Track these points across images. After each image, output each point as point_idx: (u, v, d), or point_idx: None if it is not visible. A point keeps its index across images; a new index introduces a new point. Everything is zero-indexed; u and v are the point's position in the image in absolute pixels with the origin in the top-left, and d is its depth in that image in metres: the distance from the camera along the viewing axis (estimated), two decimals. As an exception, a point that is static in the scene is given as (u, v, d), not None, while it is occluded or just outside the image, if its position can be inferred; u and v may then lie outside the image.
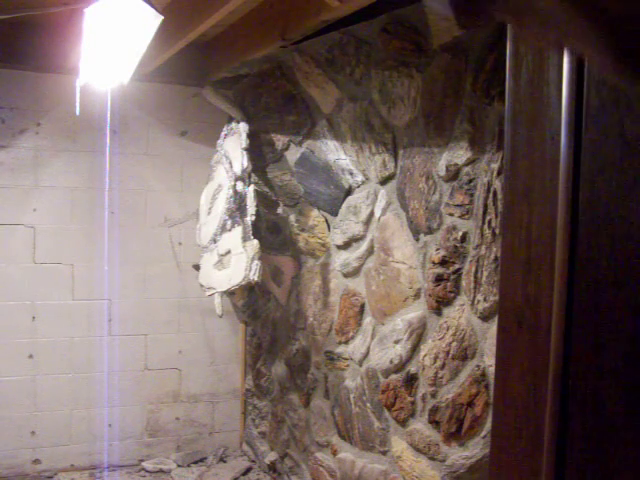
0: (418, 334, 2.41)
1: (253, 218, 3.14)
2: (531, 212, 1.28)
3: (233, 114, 3.44)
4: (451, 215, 2.23)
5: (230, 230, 3.21)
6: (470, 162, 2.15)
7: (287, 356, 3.42)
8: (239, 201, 3.19)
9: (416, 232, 2.42)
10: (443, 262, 2.26)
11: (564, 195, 1.20)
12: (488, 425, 2.08)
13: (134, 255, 3.71)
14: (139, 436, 3.79)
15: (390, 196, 2.57)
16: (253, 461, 3.83)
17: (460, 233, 2.20)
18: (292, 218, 3.29)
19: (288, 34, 2.66)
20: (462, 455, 2.20)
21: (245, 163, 3.22)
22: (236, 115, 3.42)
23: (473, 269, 2.15)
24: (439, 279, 2.28)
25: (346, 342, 2.89)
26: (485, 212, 2.09)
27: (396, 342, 2.52)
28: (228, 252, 3.20)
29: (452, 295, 2.25)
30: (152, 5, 2.10)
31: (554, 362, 1.21)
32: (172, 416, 3.85)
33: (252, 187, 3.20)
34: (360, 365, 2.77)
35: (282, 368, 3.49)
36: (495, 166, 2.04)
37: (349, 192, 2.84)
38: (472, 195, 2.15)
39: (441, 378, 2.29)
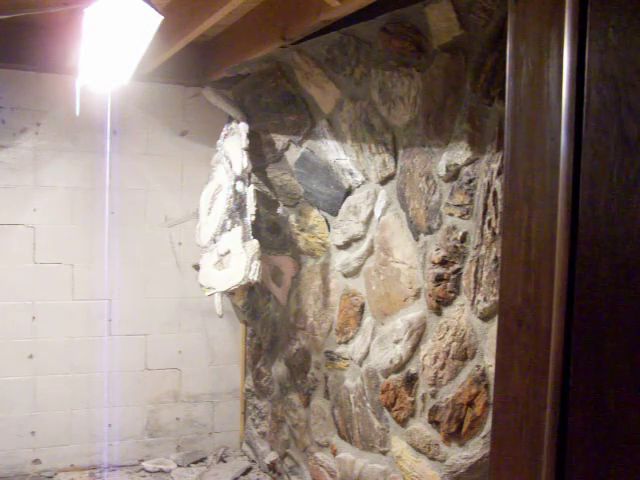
0: (418, 334, 2.41)
1: (253, 218, 3.14)
2: (531, 212, 1.28)
3: (233, 114, 3.44)
4: (451, 215, 2.23)
5: (230, 230, 3.21)
6: (470, 162, 2.15)
7: (287, 356, 3.42)
8: (239, 201, 3.19)
9: (416, 232, 2.42)
10: (443, 262, 2.26)
11: (564, 195, 1.20)
12: (488, 425, 2.08)
13: (134, 255, 3.71)
14: (139, 436, 3.79)
15: (390, 196, 2.57)
16: (253, 461, 3.83)
17: (460, 233, 2.20)
18: (292, 218, 3.29)
19: (288, 34, 2.66)
20: (462, 455, 2.20)
21: (245, 163, 3.22)
22: (236, 115, 3.42)
23: (473, 269, 2.15)
24: (439, 279, 2.28)
25: (346, 342, 2.89)
26: (485, 212, 2.09)
27: (396, 342, 2.52)
28: (228, 252, 3.20)
29: (452, 295, 2.25)
30: (152, 5, 2.10)
31: (554, 362, 1.21)
32: (172, 416, 3.85)
33: (252, 187, 3.20)
34: (360, 365, 2.77)
35: (282, 368, 3.49)
36: (495, 166, 2.04)
37: (349, 192, 2.84)
38: (472, 195, 2.15)
39: (441, 378, 2.29)
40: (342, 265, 2.89)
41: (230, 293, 3.41)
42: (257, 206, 3.20)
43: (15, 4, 2.78)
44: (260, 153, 3.45)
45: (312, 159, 3.09)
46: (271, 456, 3.61)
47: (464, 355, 2.20)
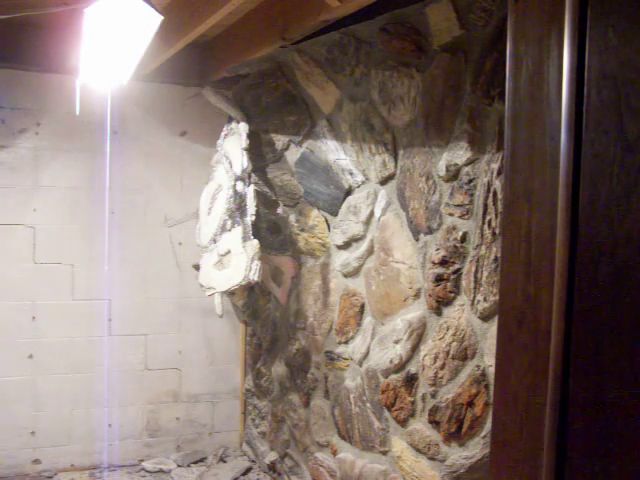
0: (418, 334, 2.41)
1: (253, 218, 3.14)
2: (531, 212, 1.28)
3: (233, 114, 3.44)
4: (451, 215, 2.23)
5: (230, 230, 3.21)
6: (470, 162, 2.15)
7: (287, 356, 3.42)
8: (239, 201, 3.19)
9: (416, 232, 2.42)
10: (443, 262, 2.26)
11: (564, 195, 1.20)
12: (488, 425, 2.08)
13: (134, 255, 3.71)
14: (139, 436, 3.79)
15: (390, 196, 2.57)
16: (253, 461, 3.83)
17: (460, 233, 2.20)
18: (292, 218, 3.29)
19: (288, 34, 2.66)
20: (462, 455, 2.20)
21: (245, 163, 3.22)
22: (236, 115, 3.42)
23: (473, 269, 2.15)
24: (439, 279, 2.28)
25: (346, 342, 2.89)
26: (485, 212, 2.09)
27: (396, 342, 2.52)
28: (228, 252, 3.20)
29: (452, 295, 2.25)
30: (152, 5, 2.10)
31: (554, 362, 1.21)
32: (172, 416, 3.85)
33: (252, 187, 3.20)
34: (360, 365, 2.77)
35: (282, 368, 3.49)
36: (495, 166, 2.04)
37: (349, 192, 2.84)
38: (472, 195, 2.15)
39: (441, 378, 2.29)
40: (342, 265, 2.89)
41: (230, 293, 3.41)
42: (257, 206, 3.20)
43: (15, 4, 2.78)
44: (260, 153, 3.45)
45: (312, 159, 3.09)
46: (271, 456, 3.62)
47: (464, 355, 2.20)
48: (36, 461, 3.59)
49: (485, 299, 2.10)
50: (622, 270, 1.11)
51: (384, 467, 2.63)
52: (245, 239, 3.10)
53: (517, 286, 1.31)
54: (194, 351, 3.87)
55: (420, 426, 2.40)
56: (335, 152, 2.91)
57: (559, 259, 1.20)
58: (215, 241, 3.32)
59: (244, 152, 3.25)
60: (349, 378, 2.87)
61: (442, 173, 2.26)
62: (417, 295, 2.43)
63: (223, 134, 3.50)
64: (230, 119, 3.47)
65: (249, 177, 3.23)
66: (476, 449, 2.16)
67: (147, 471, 3.69)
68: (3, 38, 3.24)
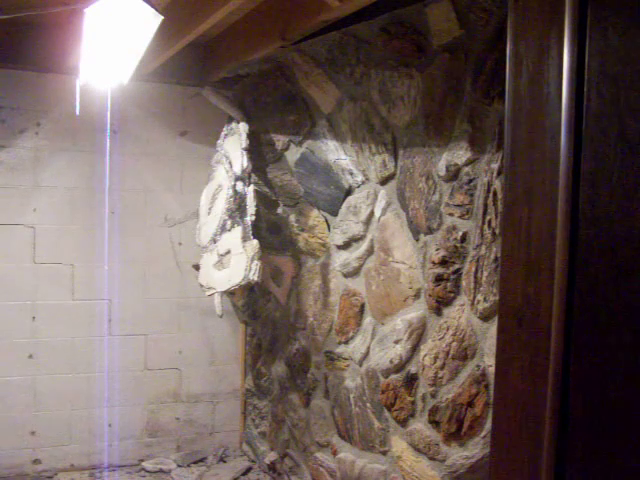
0: (418, 334, 2.41)
1: (253, 218, 3.14)
2: (531, 212, 1.28)
3: (233, 114, 3.44)
4: (451, 215, 2.23)
5: (230, 230, 3.21)
6: (470, 162, 2.15)
7: (287, 356, 3.42)
8: (239, 201, 3.19)
9: (416, 232, 2.42)
10: (443, 262, 2.26)
11: (564, 195, 1.20)
12: (488, 425, 2.08)
13: (134, 255, 3.71)
14: (139, 436, 3.79)
15: (390, 196, 2.57)
16: (253, 461, 3.83)
17: (460, 233, 2.20)
18: (292, 218, 3.29)
19: (288, 34, 2.66)
20: (462, 455, 2.20)
21: (245, 163, 3.22)
22: (236, 115, 3.42)
23: (473, 269, 2.15)
24: (439, 279, 2.28)
25: (346, 342, 2.89)
26: (485, 212, 2.09)
27: (396, 342, 2.52)
28: (228, 252, 3.21)
29: (452, 295, 2.25)
30: (152, 5, 2.11)
31: (554, 362, 1.21)
32: (172, 416, 3.85)
33: (252, 187, 3.20)
34: (360, 365, 2.77)
35: (282, 368, 3.49)
36: (495, 166, 2.04)
37: (349, 192, 2.84)
38: (472, 195, 2.15)
39: (441, 378, 2.29)
40: (342, 265, 2.89)
41: (230, 293, 3.42)
42: (257, 206, 3.20)
43: (15, 4, 2.78)
44: (260, 153, 3.45)
45: (312, 159, 3.09)
46: (271, 456, 3.62)
47: (464, 355, 2.20)
48: (36, 461, 3.59)
49: (485, 299, 2.10)
50: (622, 270, 1.11)
51: (384, 467, 2.63)
52: (245, 239, 3.10)
53: (517, 286, 1.31)
54: (194, 351, 3.87)
55: (420, 426, 2.40)
56: (335, 152, 2.91)
57: (559, 259, 1.20)
58: (215, 241, 3.32)
59: (244, 152, 3.25)
60: (349, 378, 2.87)
61: (442, 173, 2.26)
62: (417, 295, 2.43)
63: (223, 134, 3.50)
64: (230, 119, 3.47)
65: (249, 177, 3.23)
66: (476, 449, 2.16)
67: (147, 471, 3.69)
68: (3, 38, 3.24)
